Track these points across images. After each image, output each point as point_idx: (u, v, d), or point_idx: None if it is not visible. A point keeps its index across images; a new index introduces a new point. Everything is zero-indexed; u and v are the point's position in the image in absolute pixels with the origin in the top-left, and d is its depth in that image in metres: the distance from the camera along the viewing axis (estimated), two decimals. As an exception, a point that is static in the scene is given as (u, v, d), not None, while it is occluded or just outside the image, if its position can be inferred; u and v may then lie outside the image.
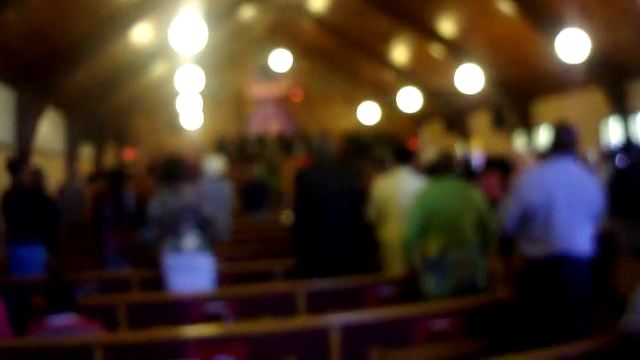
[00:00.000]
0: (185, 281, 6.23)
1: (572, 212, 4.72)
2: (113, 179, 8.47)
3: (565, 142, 4.87)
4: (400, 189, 6.80)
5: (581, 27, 11.62)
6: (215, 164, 9.64)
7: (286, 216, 12.09)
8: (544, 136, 16.75)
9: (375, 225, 7.09)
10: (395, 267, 6.67)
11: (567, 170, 4.84)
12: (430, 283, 5.74)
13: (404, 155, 7.24)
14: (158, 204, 6.35)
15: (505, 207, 4.98)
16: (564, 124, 4.99)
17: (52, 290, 4.66)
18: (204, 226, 6.38)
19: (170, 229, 6.29)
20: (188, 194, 6.37)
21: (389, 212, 6.89)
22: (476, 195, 5.91)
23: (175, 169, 6.49)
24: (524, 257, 4.95)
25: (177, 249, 6.28)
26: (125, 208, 8.07)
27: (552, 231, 4.71)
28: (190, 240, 6.29)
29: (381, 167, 8.23)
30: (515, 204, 4.86)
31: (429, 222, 5.75)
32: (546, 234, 4.74)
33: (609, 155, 9.88)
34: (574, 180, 4.80)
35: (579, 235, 4.74)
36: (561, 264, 4.69)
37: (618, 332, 3.94)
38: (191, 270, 6.26)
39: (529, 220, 4.81)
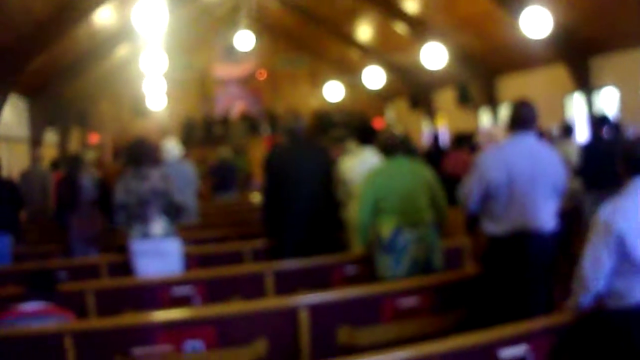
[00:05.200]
0: (154, 266, 6.22)
1: (535, 189, 4.72)
2: (69, 165, 8.40)
3: (524, 118, 4.83)
4: (363, 170, 6.66)
5: (544, 3, 11.67)
6: (173, 146, 9.59)
7: (256, 197, 12.07)
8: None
9: (343, 205, 7.10)
10: (358, 247, 6.69)
11: (528, 146, 4.82)
12: (384, 265, 5.69)
13: (368, 135, 7.18)
14: (123, 189, 6.31)
15: (467, 186, 4.97)
16: (523, 100, 4.95)
17: (35, 279, 4.67)
18: (171, 210, 6.36)
19: (137, 214, 6.26)
20: (154, 178, 6.33)
21: (352, 192, 6.86)
22: (428, 175, 5.84)
23: (140, 153, 6.43)
24: (487, 235, 4.97)
25: (145, 234, 6.25)
26: (82, 194, 7.99)
27: (515, 209, 4.72)
28: (158, 225, 6.27)
29: (341, 146, 8.21)
30: (477, 183, 4.83)
31: (381, 202, 5.67)
32: (509, 212, 4.75)
33: (595, 125, 9.91)
34: (536, 157, 4.78)
35: (541, 212, 4.75)
36: (524, 241, 4.72)
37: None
38: (160, 255, 6.25)
39: (491, 198, 4.80)
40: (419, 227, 5.66)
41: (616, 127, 9.02)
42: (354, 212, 6.72)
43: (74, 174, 8.11)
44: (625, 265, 3.67)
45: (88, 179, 8.17)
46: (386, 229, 5.65)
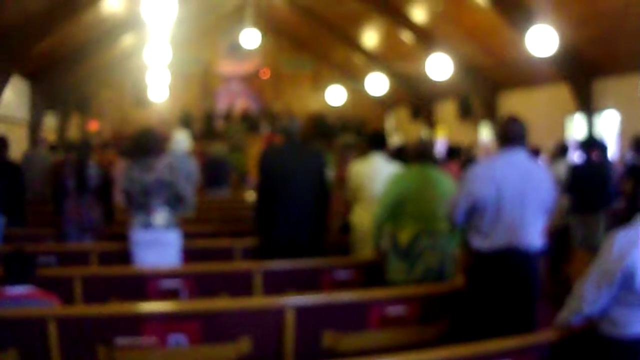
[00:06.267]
0: (154, 257, 6.20)
1: (523, 205, 4.69)
2: (79, 151, 8.33)
3: (514, 135, 4.80)
4: (372, 175, 6.81)
5: (551, 22, 11.71)
6: (183, 140, 9.61)
7: (251, 195, 12.05)
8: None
9: (350, 209, 7.15)
10: (364, 250, 6.70)
11: (517, 163, 4.78)
12: (397, 269, 5.75)
13: (379, 141, 7.22)
14: (128, 177, 6.29)
15: (454, 199, 4.95)
16: (512, 116, 4.93)
17: (11, 261, 4.64)
18: (174, 202, 6.34)
19: (140, 204, 6.24)
20: (159, 168, 6.30)
21: (360, 196, 6.93)
22: (449, 185, 5.86)
23: (147, 143, 6.38)
24: (473, 249, 4.95)
25: (147, 224, 6.24)
26: (89, 180, 7.97)
27: (502, 225, 4.70)
28: (161, 216, 6.25)
29: (349, 152, 8.24)
30: (465, 198, 4.81)
31: (401, 208, 5.73)
32: (496, 228, 4.72)
33: (578, 148, 9.96)
34: (525, 174, 4.74)
35: (529, 229, 4.73)
36: (510, 258, 4.71)
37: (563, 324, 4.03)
38: (160, 246, 6.23)
39: (479, 213, 4.78)
40: (436, 235, 5.71)
41: (605, 151, 9.03)
42: (360, 216, 6.77)
43: (83, 160, 8.05)
44: (628, 296, 3.62)
45: (94, 167, 8.13)
46: (405, 233, 5.72)
